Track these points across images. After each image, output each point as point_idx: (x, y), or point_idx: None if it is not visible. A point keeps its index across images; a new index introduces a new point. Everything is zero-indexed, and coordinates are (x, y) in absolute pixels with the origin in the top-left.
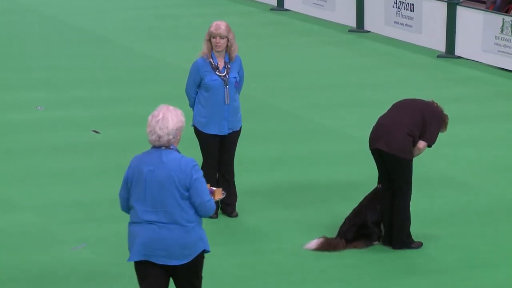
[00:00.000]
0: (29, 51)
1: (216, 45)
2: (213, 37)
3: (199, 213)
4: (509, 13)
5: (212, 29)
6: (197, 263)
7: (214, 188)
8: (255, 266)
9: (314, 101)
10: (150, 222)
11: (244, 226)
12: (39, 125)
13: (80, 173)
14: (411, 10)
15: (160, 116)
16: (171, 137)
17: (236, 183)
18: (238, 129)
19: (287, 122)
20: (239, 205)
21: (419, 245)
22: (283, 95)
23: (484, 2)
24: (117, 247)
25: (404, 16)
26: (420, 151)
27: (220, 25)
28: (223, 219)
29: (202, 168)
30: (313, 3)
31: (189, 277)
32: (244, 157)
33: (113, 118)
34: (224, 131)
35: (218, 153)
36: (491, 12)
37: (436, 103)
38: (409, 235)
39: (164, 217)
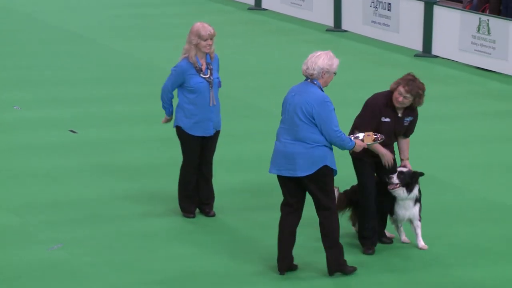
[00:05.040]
0: (5, 50)
1: (206, 47)
2: (204, 40)
3: (330, 141)
4: (486, 13)
5: (203, 32)
6: (320, 176)
7: (361, 134)
8: (233, 265)
9: None
10: (284, 139)
11: (221, 225)
12: (16, 125)
13: (57, 173)
14: (388, 10)
15: (317, 54)
16: (315, 72)
17: (214, 182)
18: (220, 128)
19: (266, 121)
20: (216, 205)
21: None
22: (261, 94)
23: (461, 2)
24: (93, 248)
25: (381, 16)
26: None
27: (208, 27)
28: (200, 218)
29: (183, 167)
30: (291, 3)
31: (315, 189)
32: (222, 157)
33: (92, 118)
34: (210, 132)
35: (199, 153)
36: (468, 11)
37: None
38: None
39: (294, 136)
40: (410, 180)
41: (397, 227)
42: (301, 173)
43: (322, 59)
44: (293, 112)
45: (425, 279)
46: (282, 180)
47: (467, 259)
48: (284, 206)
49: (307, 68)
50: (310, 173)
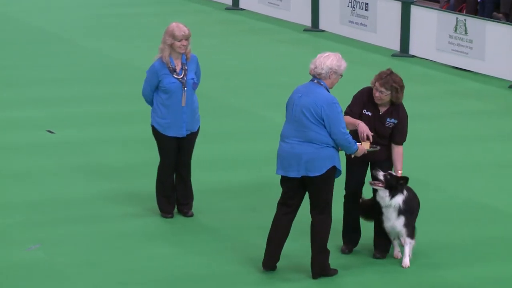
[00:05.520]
0: None
1: (181, 47)
2: (178, 41)
3: (337, 142)
4: (463, 12)
5: (177, 33)
6: (327, 177)
7: (361, 143)
8: (212, 265)
9: (270, 99)
10: (291, 140)
11: (200, 226)
12: None
13: (35, 174)
14: (365, 10)
15: (326, 54)
16: (323, 71)
17: (192, 182)
18: (196, 130)
19: (244, 121)
20: (194, 205)
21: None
22: (239, 93)
23: (438, 1)
24: (72, 248)
25: (358, 15)
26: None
27: (183, 28)
28: (179, 218)
29: (160, 168)
30: (269, 3)
31: (318, 189)
32: (200, 157)
33: (70, 118)
34: (183, 133)
35: (176, 153)
36: (445, 11)
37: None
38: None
39: (302, 136)
40: (395, 183)
41: (392, 240)
42: (312, 173)
43: (331, 60)
44: (300, 113)
45: (409, 279)
46: (285, 180)
47: (451, 259)
48: (281, 205)
49: (315, 67)
50: (320, 174)
